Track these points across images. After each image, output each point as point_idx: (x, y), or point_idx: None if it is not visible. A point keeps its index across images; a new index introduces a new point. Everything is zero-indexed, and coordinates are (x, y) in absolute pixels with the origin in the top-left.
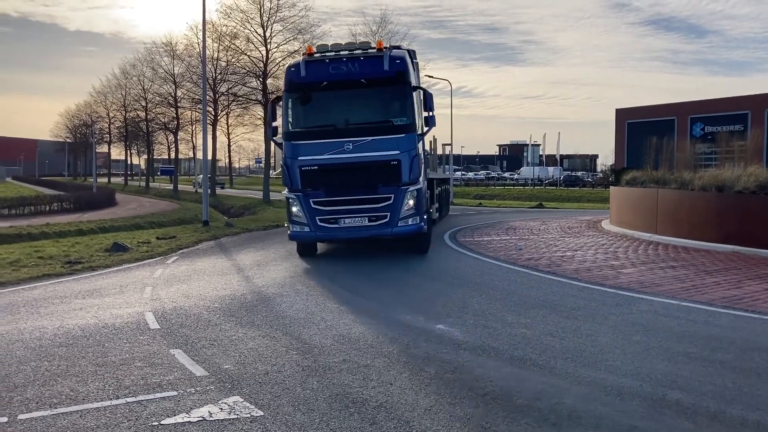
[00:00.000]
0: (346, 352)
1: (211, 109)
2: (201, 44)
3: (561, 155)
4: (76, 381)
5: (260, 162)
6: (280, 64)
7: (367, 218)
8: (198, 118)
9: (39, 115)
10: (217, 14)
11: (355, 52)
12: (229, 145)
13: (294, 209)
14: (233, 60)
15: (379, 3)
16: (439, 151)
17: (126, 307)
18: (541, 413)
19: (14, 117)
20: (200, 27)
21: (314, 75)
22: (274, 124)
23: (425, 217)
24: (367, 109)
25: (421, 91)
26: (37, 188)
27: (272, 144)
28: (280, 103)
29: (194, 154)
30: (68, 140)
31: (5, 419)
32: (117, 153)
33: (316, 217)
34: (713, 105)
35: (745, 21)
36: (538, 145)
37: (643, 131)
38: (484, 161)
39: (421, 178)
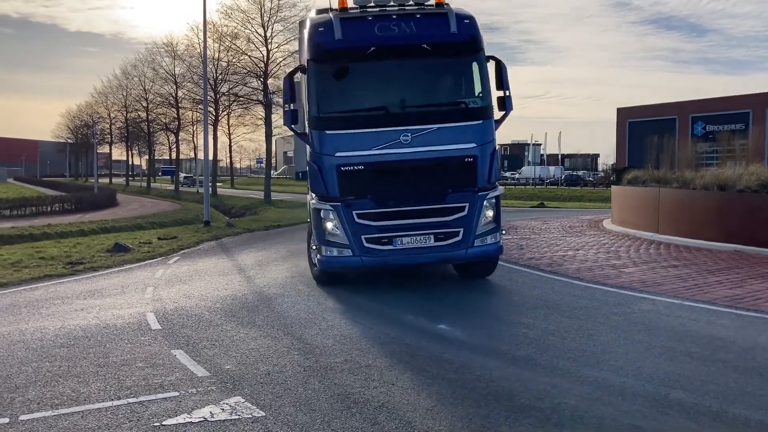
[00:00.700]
0: (347, 352)
1: (212, 109)
2: (202, 44)
3: (562, 155)
4: (78, 382)
5: (261, 162)
6: (281, 64)
7: (432, 236)
8: (199, 119)
9: (40, 115)
10: (217, 14)
11: (407, 6)
12: (230, 146)
13: (329, 225)
14: (234, 60)
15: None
16: None
17: (127, 308)
18: (543, 413)
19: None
20: (201, 27)
21: (354, 38)
22: (293, 106)
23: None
24: (430, 85)
25: (494, 62)
26: (39, 189)
27: (273, 144)
28: (296, 78)
29: (195, 154)
30: (69, 141)
31: (7, 420)
32: (118, 153)
33: (363, 236)
34: (714, 104)
35: (746, 20)
36: (539, 144)
37: (645, 130)
38: None
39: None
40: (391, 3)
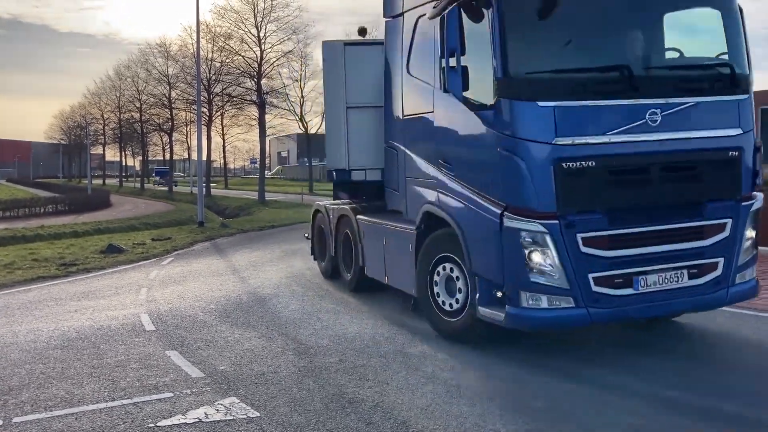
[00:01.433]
0: (342, 352)
1: (205, 109)
2: (195, 45)
3: None
4: (72, 383)
5: (255, 162)
6: (275, 64)
7: (686, 271)
8: (192, 119)
9: (33, 117)
10: (210, 15)
11: None
12: (224, 146)
13: (536, 258)
14: (227, 60)
15: (371, 4)
16: None
17: (121, 309)
18: (538, 412)
19: (8, 119)
20: (194, 28)
21: None
22: (459, 62)
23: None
24: (678, 35)
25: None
26: (32, 190)
27: (267, 144)
28: (469, 14)
29: (189, 155)
30: (63, 142)
31: (0, 422)
32: (112, 154)
33: (590, 275)
34: None
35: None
36: None
37: None
38: None
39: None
40: None
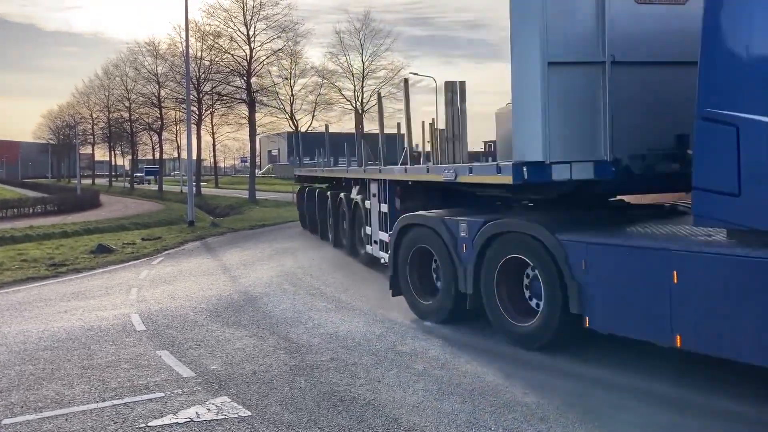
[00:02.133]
0: (333, 350)
1: (195, 108)
2: (184, 44)
3: None
4: (62, 384)
5: (246, 161)
6: (264, 62)
7: None
8: (182, 118)
9: (20, 116)
10: (200, 13)
11: None
12: (213, 145)
13: None
14: (217, 59)
15: (360, 2)
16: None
17: (111, 309)
18: (529, 408)
19: None
20: (183, 26)
21: None
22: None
23: None
24: None
25: None
26: (20, 190)
27: (258, 142)
28: None
29: (179, 154)
30: (51, 142)
31: None
32: (101, 154)
33: None
34: None
35: None
36: None
37: None
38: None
39: None
40: None
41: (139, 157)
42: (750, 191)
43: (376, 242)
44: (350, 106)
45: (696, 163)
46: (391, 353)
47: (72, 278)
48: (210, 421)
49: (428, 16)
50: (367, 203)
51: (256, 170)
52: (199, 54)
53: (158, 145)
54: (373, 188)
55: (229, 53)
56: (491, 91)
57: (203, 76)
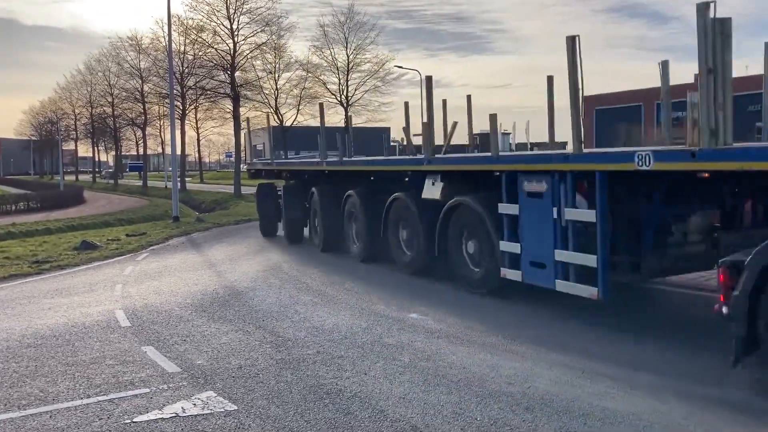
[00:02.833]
0: (320, 343)
1: (178, 103)
2: (167, 38)
3: (531, 143)
4: (46, 381)
5: (230, 156)
6: (248, 56)
7: None
8: (166, 113)
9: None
10: (182, 7)
11: None
12: (198, 140)
13: None
14: (200, 53)
15: None
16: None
17: (96, 306)
18: (514, 398)
19: None
20: (165, 21)
21: None
22: None
23: None
24: None
25: None
26: (2, 188)
27: (242, 137)
28: None
29: (163, 149)
30: (33, 138)
31: None
32: (84, 150)
33: None
34: (678, 90)
35: None
36: (509, 133)
37: (611, 118)
38: (455, 151)
39: None
40: None
41: (123, 153)
42: None
43: (542, 266)
44: (335, 100)
45: None
46: (378, 346)
47: (55, 275)
48: (196, 416)
49: (412, 9)
50: (507, 207)
51: (242, 165)
52: (182, 48)
53: (142, 141)
54: (535, 185)
55: (213, 47)
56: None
57: (187, 70)
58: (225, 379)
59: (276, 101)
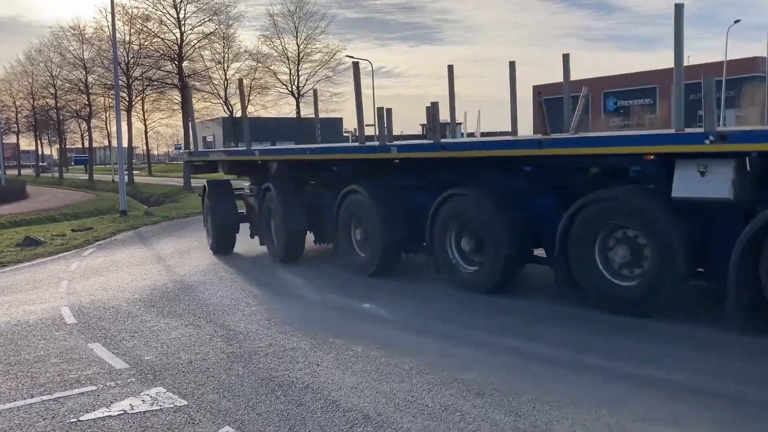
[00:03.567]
0: (272, 336)
1: (124, 94)
2: (111, 27)
3: (482, 133)
4: None
5: (180, 148)
6: (196, 46)
7: None
8: (111, 105)
9: None
10: None
11: None
12: (146, 132)
13: None
14: (146, 43)
15: None
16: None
17: (40, 303)
18: (466, 384)
19: None
20: (109, 9)
21: None
22: None
23: None
24: None
25: None
26: None
27: (191, 129)
28: None
29: (109, 142)
30: None
31: None
32: (27, 143)
33: None
34: (624, 80)
35: None
36: (460, 123)
37: (560, 107)
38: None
39: None
40: None
41: (68, 146)
42: None
43: None
44: (286, 91)
45: None
46: (331, 336)
47: None
48: (145, 412)
49: None
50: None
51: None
52: (127, 38)
53: (87, 133)
54: None
55: (159, 37)
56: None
57: (132, 60)
58: (174, 375)
59: (225, 92)
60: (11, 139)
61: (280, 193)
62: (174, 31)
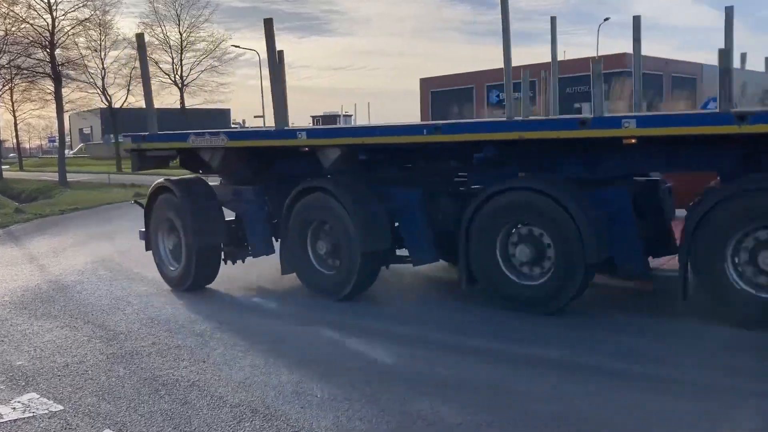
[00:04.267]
0: (155, 335)
1: None
2: None
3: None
4: None
5: (54, 141)
6: (70, 33)
7: None
8: None
9: None
10: None
11: None
12: (15, 124)
13: None
14: (13, 29)
15: None
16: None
17: None
18: (356, 373)
19: None
20: None
21: None
22: None
23: None
24: None
25: None
26: None
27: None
28: None
29: None
30: None
31: None
32: None
33: None
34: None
35: None
36: (350, 115)
37: (446, 100)
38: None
39: None
40: None
41: None
42: None
43: None
44: (169, 81)
45: None
46: (218, 332)
47: None
48: (16, 420)
49: None
50: None
51: (67, 151)
52: None
53: None
54: None
55: (28, 22)
56: (316, 65)
57: None
58: (49, 379)
59: (103, 81)
60: None
61: (347, 198)
62: (44, 16)
